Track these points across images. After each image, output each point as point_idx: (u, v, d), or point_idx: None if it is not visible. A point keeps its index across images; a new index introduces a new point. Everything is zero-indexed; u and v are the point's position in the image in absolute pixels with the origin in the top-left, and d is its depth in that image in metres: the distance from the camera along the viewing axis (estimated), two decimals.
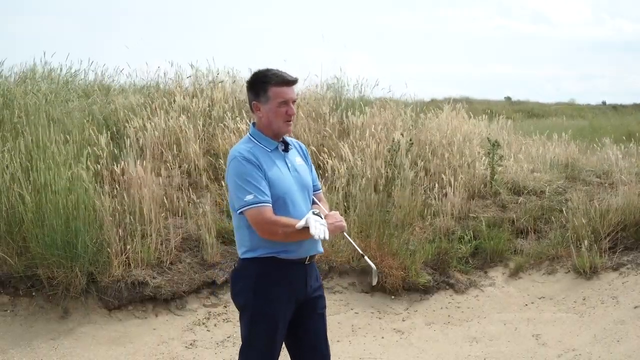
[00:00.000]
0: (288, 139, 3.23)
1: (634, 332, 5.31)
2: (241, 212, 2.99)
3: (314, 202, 3.22)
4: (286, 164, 3.14)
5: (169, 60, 14.51)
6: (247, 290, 3.07)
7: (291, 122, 3.13)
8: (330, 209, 3.25)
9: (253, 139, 3.12)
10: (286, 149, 3.18)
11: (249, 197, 2.96)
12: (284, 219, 2.99)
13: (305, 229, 2.96)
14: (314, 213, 3.04)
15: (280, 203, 3.02)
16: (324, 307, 3.26)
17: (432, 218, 6.89)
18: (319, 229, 2.96)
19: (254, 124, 3.18)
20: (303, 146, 3.34)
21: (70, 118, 7.11)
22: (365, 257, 3.32)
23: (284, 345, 3.20)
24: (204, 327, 5.56)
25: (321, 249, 3.21)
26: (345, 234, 3.25)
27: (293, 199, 3.07)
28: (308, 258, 3.13)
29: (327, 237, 2.99)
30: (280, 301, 3.06)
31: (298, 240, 3.03)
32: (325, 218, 3.07)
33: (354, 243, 3.46)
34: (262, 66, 3.17)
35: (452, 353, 5.22)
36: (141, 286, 5.68)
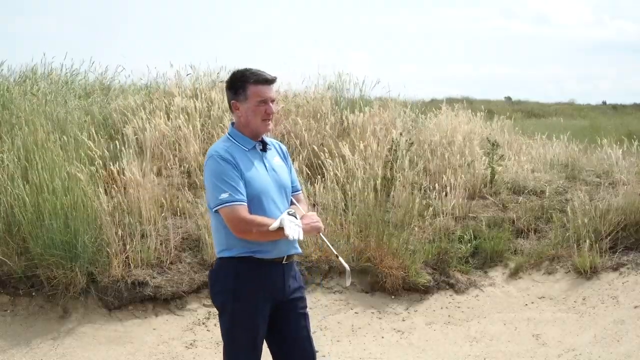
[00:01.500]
0: (267, 139, 3.22)
1: (634, 332, 5.31)
2: (216, 210, 3.00)
3: (292, 203, 3.21)
4: (264, 163, 3.13)
5: (169, 61, 14.54)
6: (225, 291, 3.07)
7: (270, 122, 3.13)
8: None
9: (231, 138, 3.12)
10: (264, 149, 3.17)
11: (224, 196, 2.96)
12: (258, 219, 2.99)
13: (280, 228, 2.96)
14: (289, 213, 3.03)
15: (257, 202, 3.02)
16: (305, 307, 3.24)
17: (432, 218, 6.89)
18: (294, 229, 2.96)
19: (232, 123, 3.18)
20: (283, 146, 3.34)
21: (69, 118, 7.10)
22: (340, 259, 3.31)
23: (265, 345, 3.19)
24: (204, 327, 5.56)
25: (299, 249, 3.21)
26: (321, 235, 3.25)
27: (270, 199, 3.07)
28: (285, 258, 3.12)
29: (301, 238, 3.00)
30: (259, 301, 3.05)
31: (273, 240, 3.03)
32: (301, 218, 3.07)
33: (329, 244, 3.44)
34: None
35: (452, 353, 5.22)
36: (141, 286, 5.68)
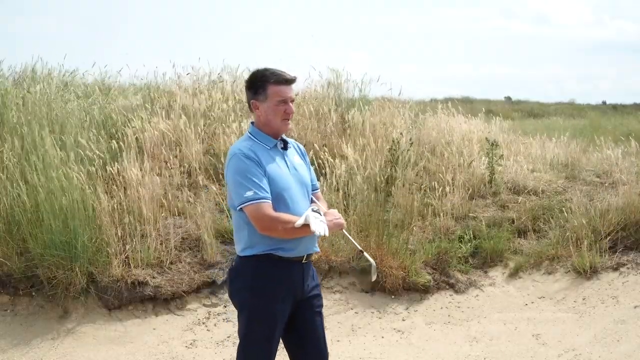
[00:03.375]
0: (286, 138, 3.25)
1: (634, 332, 5.31)
2: (241, 208, 3.01)
3: (312, 201, 3.24)
4: (285, 161, 3.17)
5: (169, 60, 14.52)
6: (245, 289, 3.09)
7: (289, 121, 3.17)
8: (329, 208, 3.27)
9: (252, 137, 3.15)
10: (285, 147, 3.20)
11: (249, 193, 2.98)
12: (283, 216, 3.01)
13: (305, 225, 2.98)
14: (313, 210, 3.07)
15: (280, 200, 3.04)
16: (321, 305, 3.27)
17: (432, 218, 6.88)
18: (320, 225, 2.99)
19: (252, 122, 3.21)
20: (301, 146, 3.37)
21: (69, 118, 7.10)
22: (365, 253, 3.34)
23: (281, 343, 3.21)
24: (204, 327, 5.56)
25: (317, 249, 3.23)
26: (344, 231, 3.28)
27: (292, 196, 3.09)
28: (305, 257, 3.14)
29: (327, 234, 3.02)
30: (278, 300, 3.07)
31: (296, 238, 3.05)
32: (324, 215, 3.09)
33: (353, 240, 3.49)
34: (262, 66, 3.19)
35: (452, 353, 5.22)
36: (141, 286, 5.68)
